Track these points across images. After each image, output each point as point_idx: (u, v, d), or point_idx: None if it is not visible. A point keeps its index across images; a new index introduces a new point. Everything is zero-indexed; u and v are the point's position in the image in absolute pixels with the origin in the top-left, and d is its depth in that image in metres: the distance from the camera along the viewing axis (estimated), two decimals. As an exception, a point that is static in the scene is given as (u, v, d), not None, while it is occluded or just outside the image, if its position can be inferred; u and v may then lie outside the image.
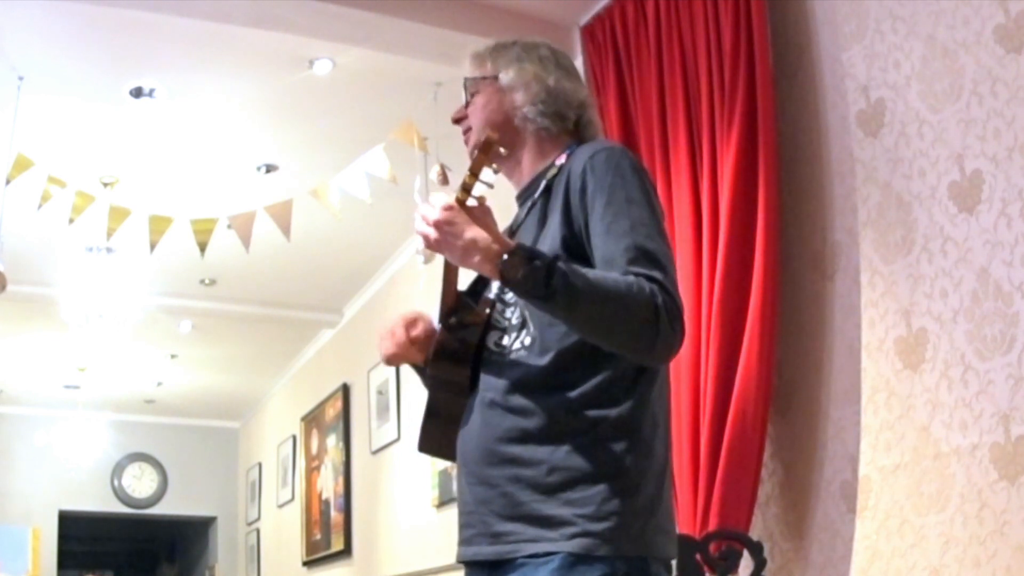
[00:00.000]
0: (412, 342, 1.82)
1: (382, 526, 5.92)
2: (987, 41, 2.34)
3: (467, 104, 1.90)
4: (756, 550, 2.65)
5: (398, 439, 5.69)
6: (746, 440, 2.70)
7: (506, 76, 1.86)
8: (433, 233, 1.58)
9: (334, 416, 6.78)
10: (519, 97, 1.84)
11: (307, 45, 3.79)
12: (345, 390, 6.61)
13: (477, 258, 1.57)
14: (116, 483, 9.15)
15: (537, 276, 1.52)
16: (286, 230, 4.35)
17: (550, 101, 1.84)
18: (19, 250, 4.58)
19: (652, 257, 1.61)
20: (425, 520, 5.27)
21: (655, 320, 1.55)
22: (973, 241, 2.35)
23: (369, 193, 4.21)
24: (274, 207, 4.35)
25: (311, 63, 3.92)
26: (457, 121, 1.92)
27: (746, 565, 2.66)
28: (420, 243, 1.55)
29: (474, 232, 1.57)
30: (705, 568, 2.62)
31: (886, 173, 2.60)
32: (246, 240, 4.37)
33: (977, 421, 2.29)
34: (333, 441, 6.79)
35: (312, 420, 7.28)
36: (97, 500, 9.03)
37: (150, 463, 9.31)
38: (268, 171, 4.74)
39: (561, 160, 1.80)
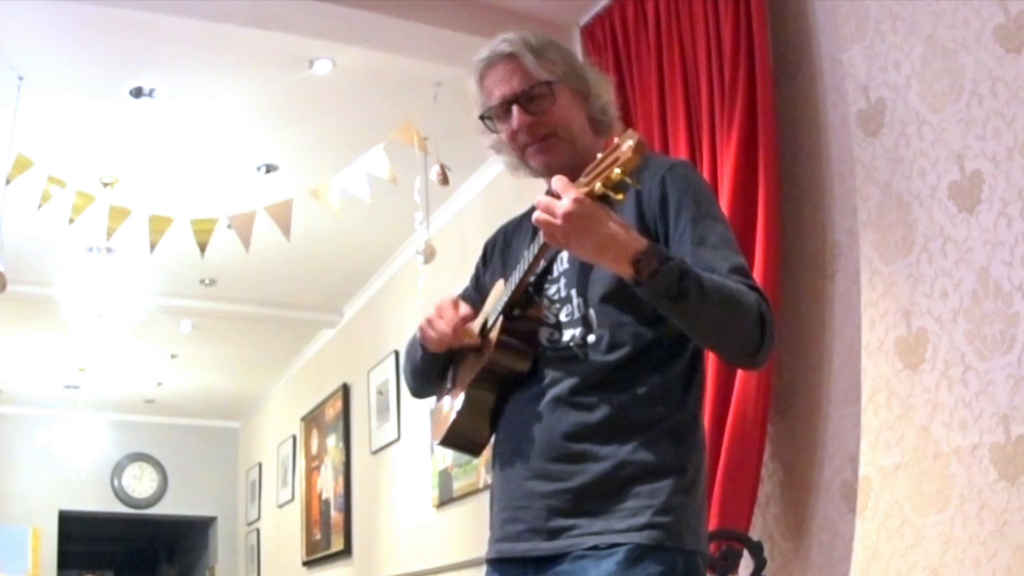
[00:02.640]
0: (461, 323, 1.79)
1: (382, 526, 5.93)
2: (987, 41, 2.34)
3: (546, 104, 1.76)
4: (756, 550, 2.65)
5: (398, 439, 5.69)
6: (746, 440, 2.70)
7: (590, 80, 1.83)
8: (561, 224, 1.51)
9: (334, 416, 6.78)
10: (600, 103, 1.82)
11: (307, 45, 3.79)
12: (345, 390, 6.61)
13: (612, 254, 1.53)
14: (116, 483, 9.15)
15: (671, 276, 1.51)
16: (286, 230, 4.35)
17: (611, 109, 1.85)
18: (19, 250, 4.58)
19: (747, 272, 1.66)
20: (425, 520, 5.27)
21: (761, 326, 1.60)
22: (973, 241, 2.35)
23: (369, 193, 4.22)
24: (274, 207, 4.35)
25: (311, 63, 3.92)
26: (529, 126, 1.76)
27: (746, 565, 2.66)
28: (420, 243, 1.53)
29: (610, 228, 1.52)
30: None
31: (886, 173, 2.60)
32: (246, 240, 4.37)
33: (977, 421, 2.29)
34: (333, 441, 6.79)
35: (312, 420, 7.28)
36: (97, 500, 9.03)
37: (150, 463, 9.31)
38: (268, 171, 4.74)
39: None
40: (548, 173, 1.72)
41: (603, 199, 1.51)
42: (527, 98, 1.76)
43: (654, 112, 3.18)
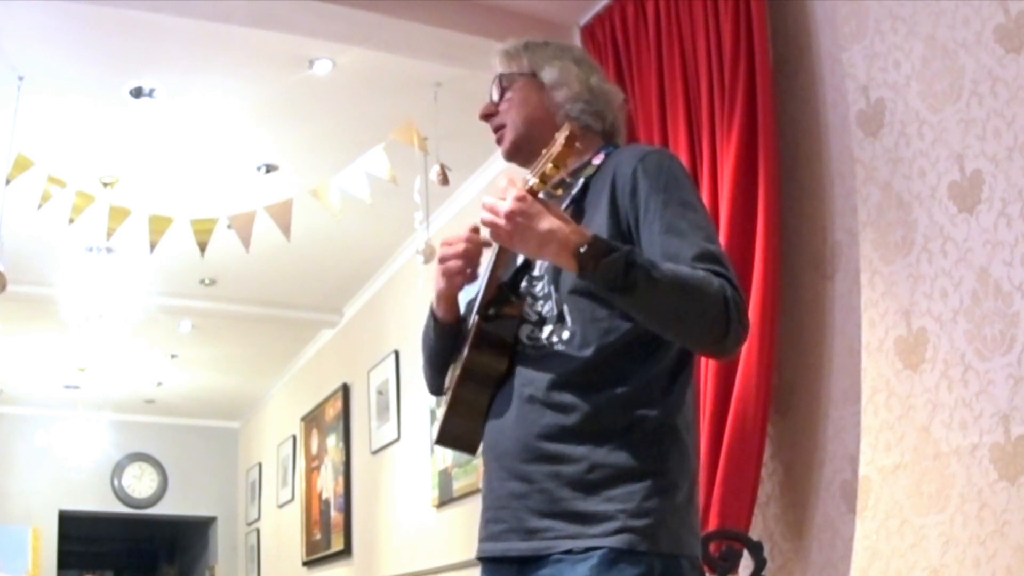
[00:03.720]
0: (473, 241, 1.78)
1: (382, 526, 5.93)
2: (987, 41, 2.34)
3: (499, 100, 1.87)
4: (756, 550, 2.65)
5: (398, 439, 5.69)
6: (746, 440, 2.70)
7: (549, 73, 1.85)
8: (504, 224, 1.54)
9: (334, 416, 6.79)
10: (561, 94, 1.84)
11: (307, 45, 3.79)
12: (345, 390, 6.61)
13: (554, 249, 1.54)
14: (116, 483, 9.15)
15: (617, 267, 1.51)
16: (286, 230, 4.35)
17: (593, 100, 1.85)
18: (19, 250, 4.58)
19: (715, 257, 1.63)
20: (425, 520, 5.27)
21: (726, 312, 1.57)
22: (973, 241, 2.35)
23: (369, 193, 4.22)
24: (274, 207, 4.35)
25: (311, 63, 3.92)
26: (486, 117, 1.89)
27: (746, 565, 2.66)
28: (420, 243, 1.54)
29: (550, 222, 1.53)
30: (705, 568, 2.62)
31: (886, 173, 2.60)
32: (246, 240, 4.37)
33: (977, 421, 2.29)
34: (333, 441, 6.79)
35: (312, 420, 7.28)
36: (97, 500, 9.03)
37: (150, 463, 9.31)
38: (268, 171, 4.74)
39: (598, 160, 1.79)
40: (511, 160, 1.87)
41: (546, 195, 1.55)
42: (493, 93, 1.89)
43: (654, 112, 3.18)
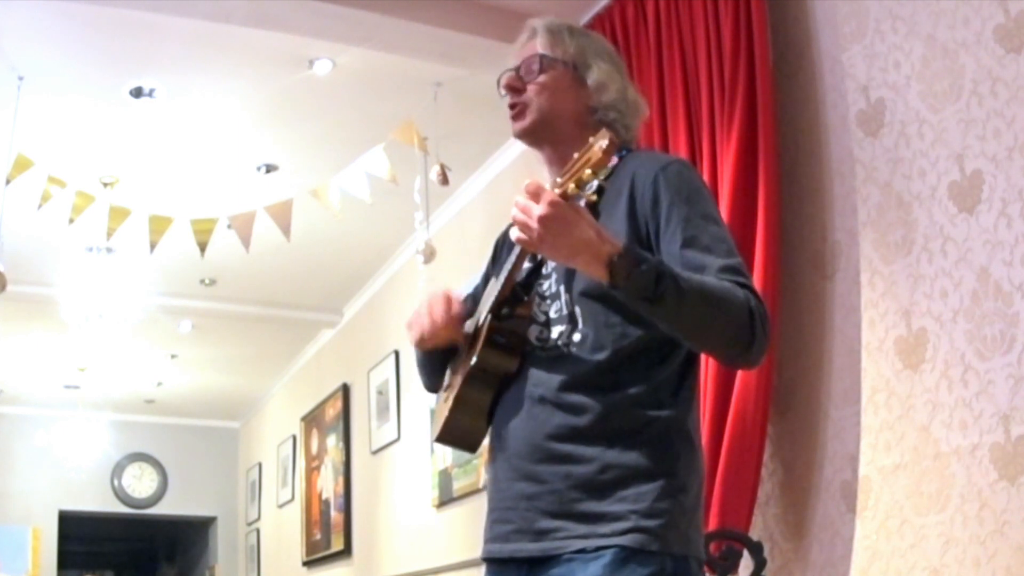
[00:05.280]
0: (452, 321, 1.79)
1: (382, 526, 5.93)
2: (987, 41, 2.34)
3: (532, 77, 1.83)
4: (756, 550, 2.65)
5: (398, 439, 5.69)
6: (746, 440, 2.70)
7: (595, 73, 1.84)
8: (536, 227, 1.51)
9: (334, 416, 6.79)
10: (600, 98, 1.83)
11: (307, 45, 3.79)
12: (345, 390, 6.61)
13: (585, 258, 1.53)
14: (116, 483, 9.16)
15: (647, 279, 1.50)
16: (286, 230, 4.35)
17: (627, 111, 1.85)
18: (19, 250, 4.58)
19: (737, 270, 1.63)
20: (425, 520, 5.27)
21: (751, 323, 1.58)
22: (973, 241, 2.35)
23: (369, 193, 4.22)
24: (274, 207, 4.35)
25: (311, 63, 3.92)
26: (511, 89, 1.84)
27: (746, 565, 2.66)
28: (420, 243, 1.54)
29: (584, 231, 1.51)
30: (705, 568, 2.62)
31: (886, 173, 2.60)
32: (246, 240, 4.37)
33: (977, 421, 2.29)
34: (333, 441, 6.79)
35: (312, 420, 7.28)
36: (97, 500, 9.03)
37: (150, 463, 9.31)
38: (268, 171, 4.74)
39: (611, 163, 1.78)
40: (521, 139, 1.87)
41: (577, 200, 1.53)
42: (525, 67, 1.85)
43: (654, 112, 3.18)
